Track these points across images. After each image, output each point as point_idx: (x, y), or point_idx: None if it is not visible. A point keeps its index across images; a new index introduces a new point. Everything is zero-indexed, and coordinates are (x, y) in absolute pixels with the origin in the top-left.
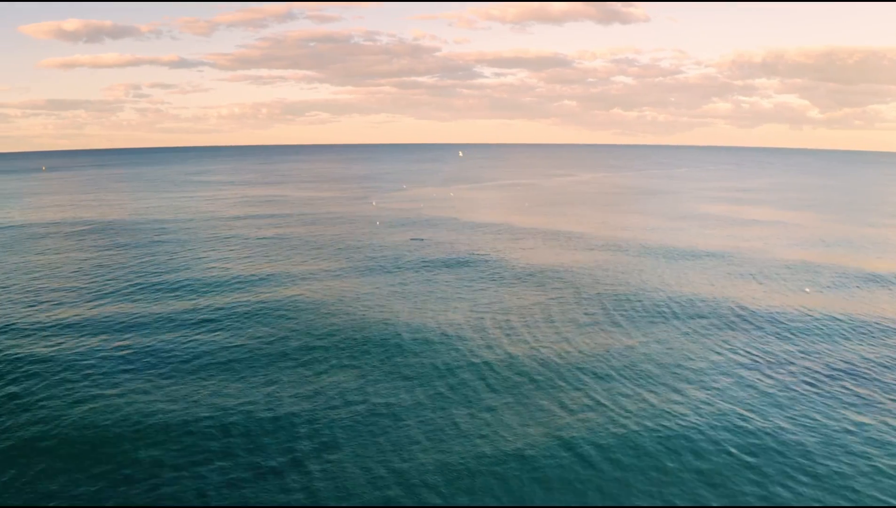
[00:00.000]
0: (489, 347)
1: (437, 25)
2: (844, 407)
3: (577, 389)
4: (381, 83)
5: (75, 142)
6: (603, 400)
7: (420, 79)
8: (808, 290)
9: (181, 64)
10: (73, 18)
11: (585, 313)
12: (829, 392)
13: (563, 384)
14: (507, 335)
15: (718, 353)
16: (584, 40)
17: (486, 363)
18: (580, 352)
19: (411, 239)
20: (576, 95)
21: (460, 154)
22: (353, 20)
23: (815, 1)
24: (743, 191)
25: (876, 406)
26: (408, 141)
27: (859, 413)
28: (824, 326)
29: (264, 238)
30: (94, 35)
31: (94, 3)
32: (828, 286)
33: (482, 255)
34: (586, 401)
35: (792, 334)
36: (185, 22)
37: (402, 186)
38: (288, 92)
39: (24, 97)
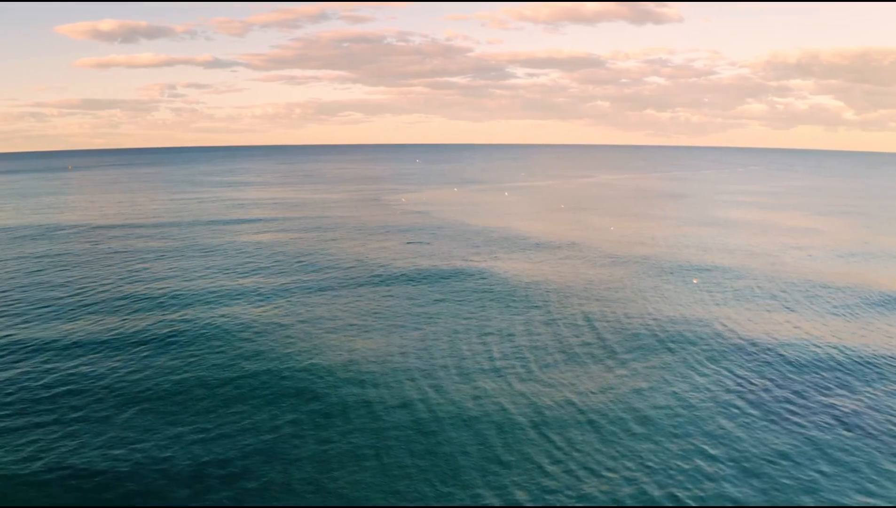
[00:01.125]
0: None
1: (470, 26)
2: None
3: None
4: (414, 83)
5: (111, 141)
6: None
7: (452, 79)
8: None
9: (215, 64)
10: (108, 19)
11: (561, 341)
12: None
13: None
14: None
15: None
16: (617, 41)
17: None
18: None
19: (408, 242)
20: (609, 95)
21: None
22: (385, 20)
23: (850, 1)
24: (755, 194)
25: None
26: (440, 141)
27: None
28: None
29: (247, 244)
30: (129, 35)
31: (130, 4)
32: (847, 308)
33: (471, 266)
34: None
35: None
36: (220, 22)
37: (421, 186)
38: (321, 92)
39: (61, 97)
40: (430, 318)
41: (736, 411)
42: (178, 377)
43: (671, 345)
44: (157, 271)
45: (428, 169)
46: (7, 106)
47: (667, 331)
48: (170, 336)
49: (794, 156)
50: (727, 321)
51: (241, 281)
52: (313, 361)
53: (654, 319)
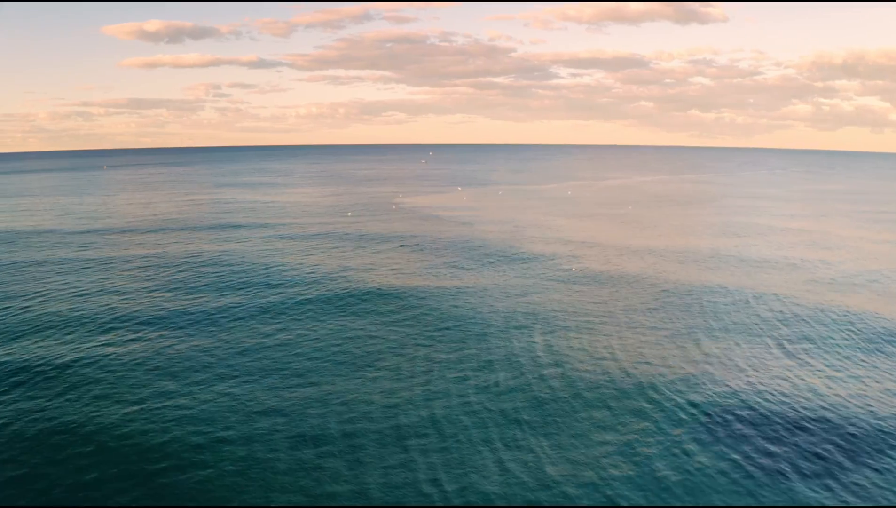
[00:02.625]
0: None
1: (513, 26)
2: None
3: None
4: (457, 84)
5: (156, 140)
6: None
7: (496, 79)
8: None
9: (260, 64)
10: (154, 19)
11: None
12: None
13: None
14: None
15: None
16: (661, 41)
17: None
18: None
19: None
20: (653, 96)
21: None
22: (429, 21)
23: None
24: (776, 198)
25: None
26: (483, 141)
27: None
28: None
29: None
30: (175, 36)
31: (176, 4)
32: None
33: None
34: None
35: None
36: (264, 23)
37: (444, 187)
38: (365, 92)
39: (107, 96)
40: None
41: None
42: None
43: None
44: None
45: (438, 169)
46: (55, 105)
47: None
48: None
49: (839, 158)
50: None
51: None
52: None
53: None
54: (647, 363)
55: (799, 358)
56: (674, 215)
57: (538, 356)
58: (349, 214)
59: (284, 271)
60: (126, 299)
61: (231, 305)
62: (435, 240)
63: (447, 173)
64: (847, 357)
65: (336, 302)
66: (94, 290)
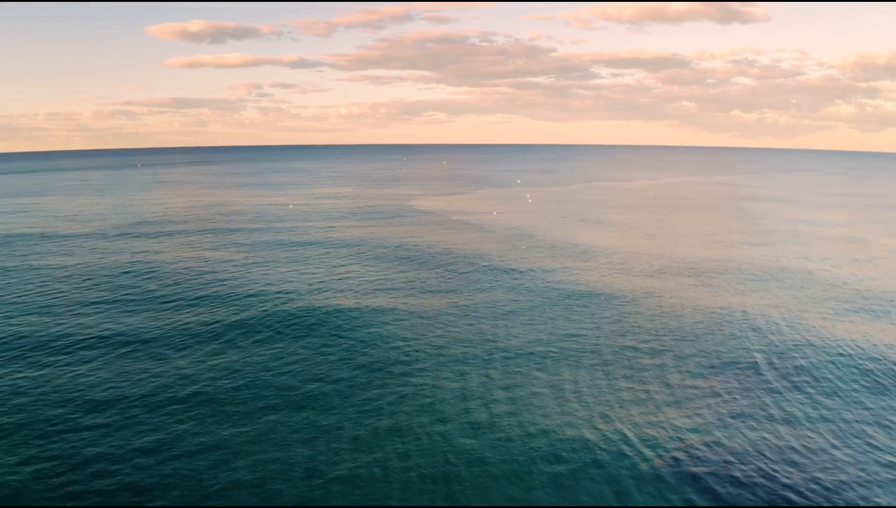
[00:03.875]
0: None
1: (554, 26)
2: None
3: None
4: (498, 84)
5: (199, 139)
6: None
7: (536, 79)
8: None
9: (301, 64)
10: (197, 20)
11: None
12: None
13: None
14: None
15: None
16: (702, 40)
17: None
18: None
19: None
20: (694, 96)
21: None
22: (469, 21)
23: None
24: (797, 202)
25: None
26: (523, 141)
27: None
28: None
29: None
30: (217, 36)
31: (218, 4)
32: None
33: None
34: None
35: None
36: (305, 23)
37: (469, 187)
38: (405, 92)
39: (150, 96)
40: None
41: None
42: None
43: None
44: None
45: (464, 170)
46: (99, 104)
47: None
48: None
49: (880, 160)
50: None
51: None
52: None
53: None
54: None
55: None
56: (685, 220)
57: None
58: (352, 219)
59: (244, 284)
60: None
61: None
62: (424, 250)
63: (470, 174)
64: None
65: (285, 325)
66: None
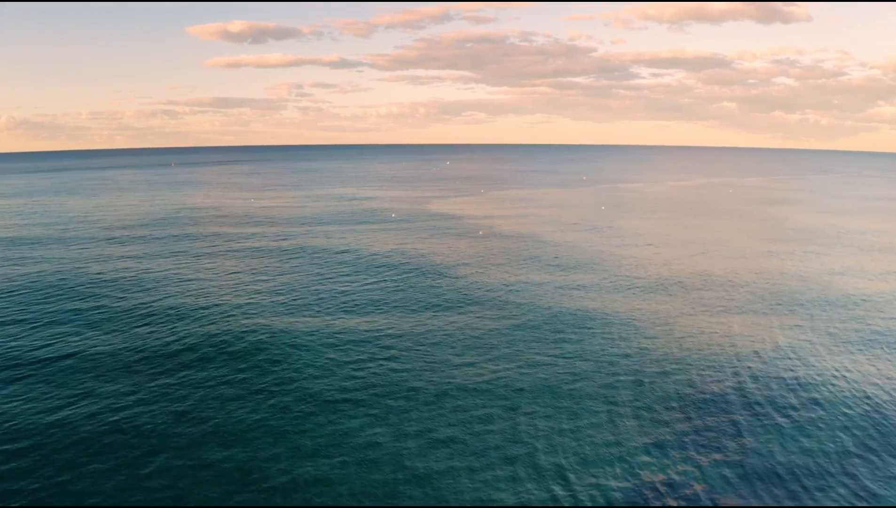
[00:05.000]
0: None
1: (593, 25)
2: None
3: None
4: (537, 84)
5: (240, 138)
6: None
7: (576, 79)
8: None
9: (341, 64)
10: (238, 20)
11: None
12: None
13: None
14: None
15: None
16: (743, 40)
17: None
18: None
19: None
20: (735, 96)
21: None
22: (508, 21)
23: None
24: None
25: None
26: (563, 142)
27: None
28: None
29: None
30: (258, 36)
31: (258, 4)
32: None
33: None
34: None
35: None
36: (345, 24)
37: (485, 188)
38: (445, 92)
39: (192, 95)
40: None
41: None
42: None
43: None
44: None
45: (475, 170)
46: (141, 104)
47: None
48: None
49: None
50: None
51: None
52: None
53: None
54: None
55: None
56: (694, 225)
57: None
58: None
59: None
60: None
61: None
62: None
63: (482, 175)
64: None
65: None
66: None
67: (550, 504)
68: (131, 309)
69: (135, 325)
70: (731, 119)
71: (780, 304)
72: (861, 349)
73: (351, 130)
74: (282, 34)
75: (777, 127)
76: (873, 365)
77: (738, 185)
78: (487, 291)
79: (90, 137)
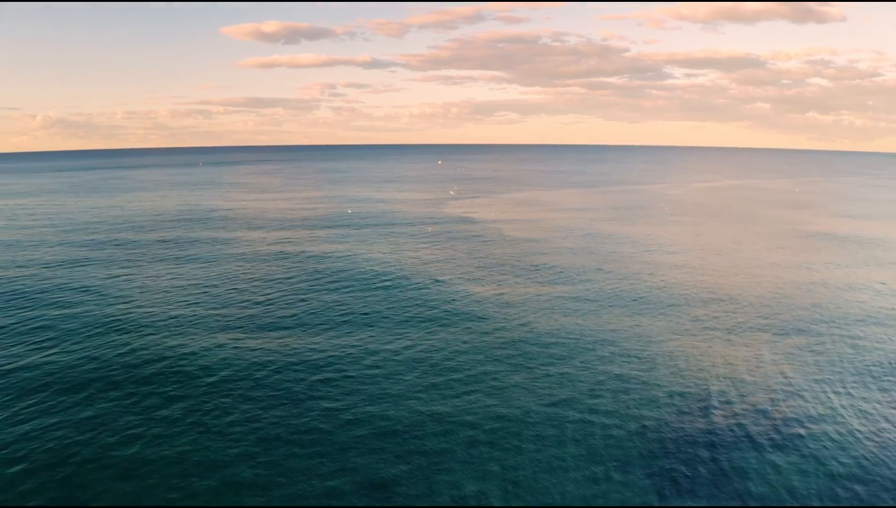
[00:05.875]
0: None
1: (626, 25)
2: None
3: None
4: (570, 84)
5: (273, 138)
6: None
7: (608, 80)
8: None
9: (374, 64)
10: (271, 21)
11: None
12: None
13: None
14: None
15: None
16: (777, 40)
17: None
18: None
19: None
20: (769, 97)
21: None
22: (541, 21)
23: None
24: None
25: None
26: (595, 142)
27: None
28: None
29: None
30: (291, 36)
31: (291, 5)
32: None
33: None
34: None
35: None
36: (378, 24)
37: (501, 189)
38: (477, 92)
39: (226, 95)
40: None
41: None
42: None
43: None
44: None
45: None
46: (175, 103)
47: None
48: None
49: None
50: None
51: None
52: None
53: None
54: None
55: None
56: (707, 230)
57: None
58: (349, 210)
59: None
60: None
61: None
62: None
63: (501, 176)
64: None
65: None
66: None
67: (550, 504)
68: (68, 319)
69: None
70: (766, 120)
71: (785, 323)
72: (871, 382)
73: (383, 129)
74: (315, 34)
75: (811, 128)
76: (880, 400)
77: (763, 187)
78: (463, 303)
79: (125, 137)
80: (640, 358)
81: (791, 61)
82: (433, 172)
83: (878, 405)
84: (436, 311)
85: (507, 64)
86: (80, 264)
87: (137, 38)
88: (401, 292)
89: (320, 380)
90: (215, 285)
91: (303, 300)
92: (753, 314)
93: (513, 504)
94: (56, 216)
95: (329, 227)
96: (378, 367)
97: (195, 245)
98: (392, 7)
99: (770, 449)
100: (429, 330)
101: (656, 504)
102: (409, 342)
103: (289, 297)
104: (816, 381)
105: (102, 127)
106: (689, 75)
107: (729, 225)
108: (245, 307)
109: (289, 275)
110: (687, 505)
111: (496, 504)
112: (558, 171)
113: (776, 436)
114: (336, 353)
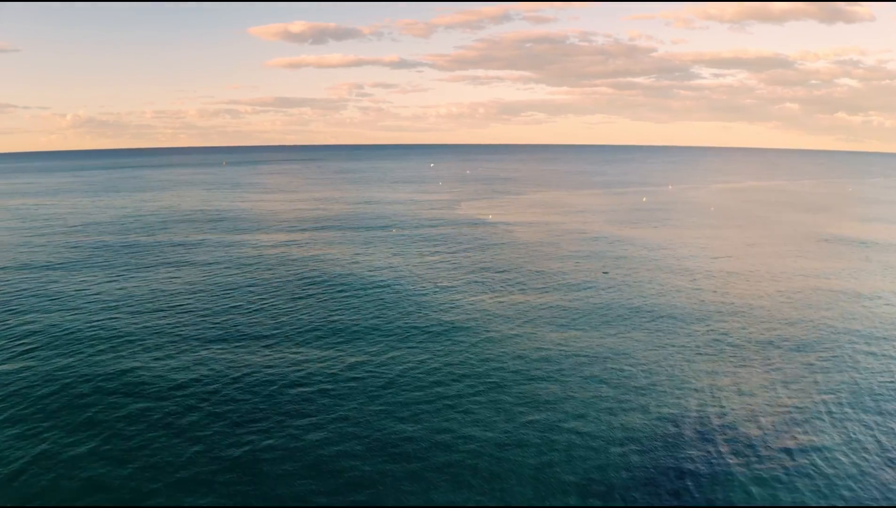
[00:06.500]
0: None
1: (654, 25)
2: None
3: None
4: (597, 84)
5: (301, 138)
6: None
7: (636, 80)
8: None
9: (401, 64)
10: (299, 21)
11: None
12: None
13: None
14: None
15: None
16: (805, 40)
17: None
18: None
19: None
20: (798, 97)
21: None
22: (568, 21)
23: None
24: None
25: None
26: (623, 143)
27: None
28: None
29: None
30: (318, 37)
31: (318, 4)
32: None
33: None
34: None
35: None
36: (405, 24)
37: (517, 190)
38: (504, 92)
39: (254, 95)
40: None
41: None
42: None
43: None
44: None
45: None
46: (204, 103)
47: None
48: None
49: None
50: None
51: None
52: None
53: None
54: None
55: None
56: (720, 234)
57: None
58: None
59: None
60: None
61: None
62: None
63: (521, 176)
64: None
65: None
66: None
67: (550, 504)
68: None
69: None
70: (794, 120)
71: (798, 338)
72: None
73: (411, 129)
74: (342, 34)
75: (840, 129)
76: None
77: (784, 189)
78: (456, 314)
79: (154, 136)
80: (639, 375)
81: (819, 61)
82: (450, 173)
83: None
84: (425, 320)
85: (535, 64)
86: (52, 268)
87: (167, 40)
88: (393, 299)
89: (298, 395)
90: (208, 290)
91: (291, 309)
92: (762, 328)
93: (512, 504)
94: (54, 217)
95: (336, 229)
96: (353, 381)
97: (195, 248)
98: (419, 7)
99: (778, 485)
100: (418, 341)
101: (656, 504)
102: (384, 356)
103: (279, 304)
104: (828, 404)
105: (132, 126)
106: (717, 75)
107: (744, 230)
108: (233, 316)
109: (280, 279)
110: (686, 505)
111: (496, 504)
112: (579, 171)
113: (785, 469)
114: (310, 368)
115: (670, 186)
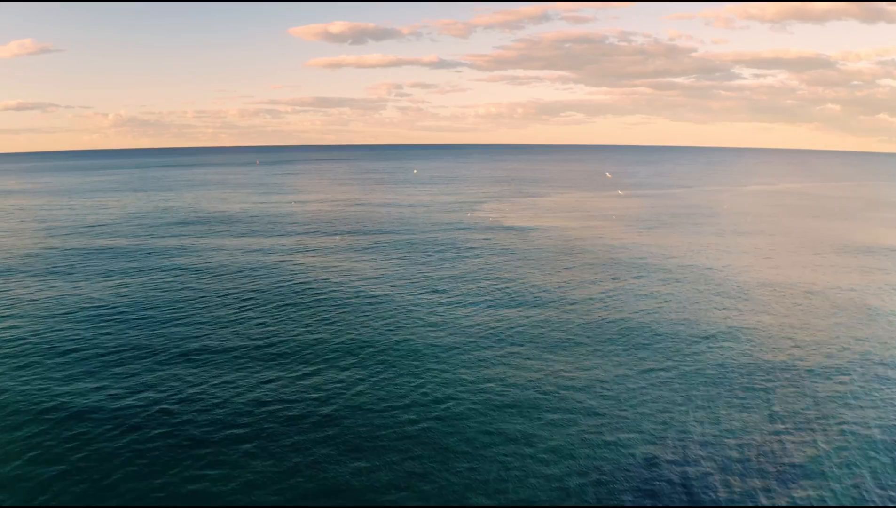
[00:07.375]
0: None
1: (694, 25)
2: None
3: None
4: (636, 84)
5: (340, 137)
6: None
7: (676, 80)
8: None
9: (440, 65)
10: (338, 21)
11: None
12: None
13: None
14: None
15: None
16: (847, 40)
17: None
18: None
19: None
20: (839, 98)
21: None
22: (607, 21)
23: None
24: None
25: None
26: (662, 143)
27: None
28: None
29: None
30: (358, 37)
31: (358, 5)
32: None
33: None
34: None
35: None
36: (444, 24)
37: (538, 190)
38: (543, 92)
39: (294, 95)
40: None
41: None
42: None
43: None
44: None
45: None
46: (244, 103)
47: None
48: None
49: None
50: None
51: None
52: None
53: None
54: None
55: None
56: (735, 242)
57: None
58: (339, 236)
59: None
60: None
61: None
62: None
63: (548, 176)
64: None
65: None
66: None
67: (550, 504)
68: None
69: None
70: (835, 121)
71: (816, 361)
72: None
73: (449, 130)
74: (381, 35)
75: (882, 130)
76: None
77: (814, 193)
78: (458, 327)
79: (195, 135)
80: (642, 405)
81: (861, 62)
82: (485, 173)
83: None
84: (418, 333)
85: (574, 64)
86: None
87: (209, 42)
88: (380, 312)
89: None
90: (206, 296)
91: (292, 321)
92: (771, 347)
93: (511, 504)
94: (49, 217)
95: (339, 234)
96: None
97: (195, 251)
98: (457, 7)
99: None
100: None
101: (656, 504)
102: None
103: (232, 315)
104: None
105: (173, 126)
106: (757, 76)
107: (768, 236)
108: (231, 326)
109: (254, 289)
110: (686, 505)
111: (495, 504)
112: (613, 171)
113: None
114: (295, 388)
115: (706, 188)
